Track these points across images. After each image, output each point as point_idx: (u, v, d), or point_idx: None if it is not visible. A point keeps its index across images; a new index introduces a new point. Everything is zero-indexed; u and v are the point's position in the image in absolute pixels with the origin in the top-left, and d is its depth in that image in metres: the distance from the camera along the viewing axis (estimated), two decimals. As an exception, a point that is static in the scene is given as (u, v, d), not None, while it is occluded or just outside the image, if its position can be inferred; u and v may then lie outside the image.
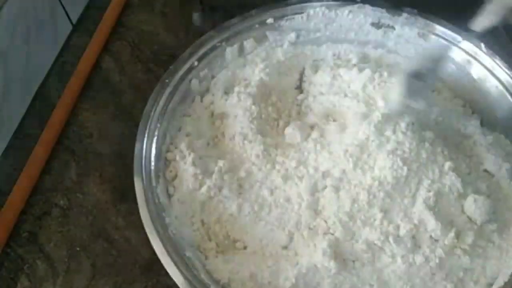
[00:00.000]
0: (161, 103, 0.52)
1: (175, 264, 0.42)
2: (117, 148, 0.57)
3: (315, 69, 0.60)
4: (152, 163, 0.49)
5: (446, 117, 0.54)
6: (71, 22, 0.67)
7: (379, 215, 0.46)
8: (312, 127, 0.54)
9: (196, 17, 0.70)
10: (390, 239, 0.45)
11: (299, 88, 0.60)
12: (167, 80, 0.53)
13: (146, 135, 0.50)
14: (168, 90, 0.53)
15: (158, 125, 0.51)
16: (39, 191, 0.54)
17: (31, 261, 0.50)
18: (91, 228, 0.52)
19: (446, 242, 0.45)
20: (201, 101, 0.57)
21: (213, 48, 0.57)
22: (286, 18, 0.60)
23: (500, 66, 0.55)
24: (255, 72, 0.58)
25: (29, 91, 0.60)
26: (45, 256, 0.50)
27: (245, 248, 0.48)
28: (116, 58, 0.65)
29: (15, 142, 0.57)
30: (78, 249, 0.51)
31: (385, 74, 0.55)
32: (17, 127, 0.58)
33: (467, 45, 0.56)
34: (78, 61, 0.63)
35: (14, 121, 0.58)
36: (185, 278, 0.42)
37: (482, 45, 0.55)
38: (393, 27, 0.59)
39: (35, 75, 0.61)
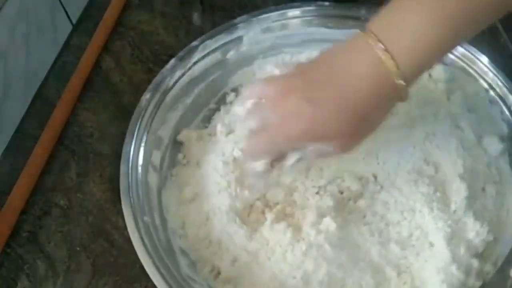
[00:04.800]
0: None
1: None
2: (117, 148, 0.57)
3: None
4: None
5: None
6: (71, 22, 0.67)
7: None
8: None
9: (196, 17, 0.69)
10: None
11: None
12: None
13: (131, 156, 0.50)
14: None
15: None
16: (39, 191, 0.54)
17: (31, 261, 0.50)
18: (91, 228, 0.52)
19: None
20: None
21: (197, 61, 0.57)
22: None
23: (488, 68, 0.54)
24: None
25: (29, 91, 0.60)
26: (45, 256, 0.50)
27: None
28: (116, 58, 0.65)
29: (15, 142, 0.57)
30: (78, 249, 0.51)
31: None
32: (17, 127, 0.58)
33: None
34: (78, 61, 0.63)
35: (14, 121, 0.58)
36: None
37: (472, 47, 0.55)
38: None
39: (35, 75, 0.61)
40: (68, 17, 0.66)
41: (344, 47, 0.39)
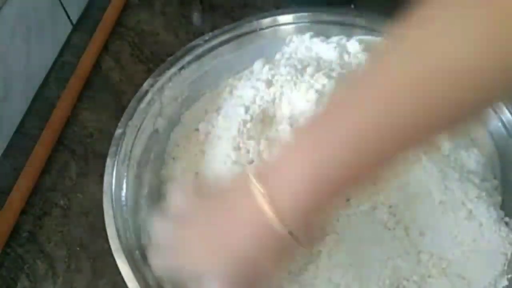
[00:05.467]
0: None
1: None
2: (117, 148, 0.57)
3: None
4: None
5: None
6: (71, 22, 0.67)
7: None
8: None
9: (196, 17, 0.70)
10: None
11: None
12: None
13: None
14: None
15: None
16: (39, 191, 0.54)
17: (31, 261, 0.50)
18: (91, 228, 0.52)
19: None
20: None
21: (181, 68, 0.54)
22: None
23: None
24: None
25: (29, 91, 0.60)
26: (45, 256, 0.50)
27: None
28: (116, 58, 0.65)
29: (15, 142, 0.57)
30: (78, 249, 0.51)
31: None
32: (17, 127, 0.58)
33: None
34: (78, 61, 0.63)
35: (14, 121, 0.58)
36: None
37: None
38: None
39: (35, 75, 0.61)
40: (68, 17, 0.66)
41: (233, 195, 0.38)
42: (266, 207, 0.34)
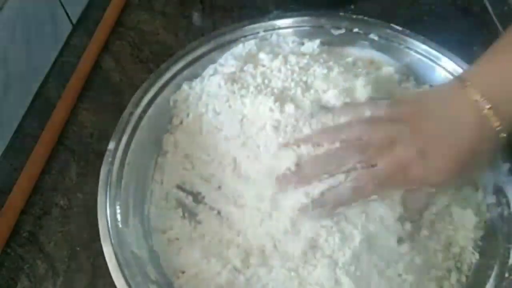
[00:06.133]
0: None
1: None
2: (117, 148, 0.57)
3: None
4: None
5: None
6: (71, 22, 0.67)
7: None
8: None
9: (196, 17, 0.70)
10: None
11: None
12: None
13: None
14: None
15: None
16: (39, 191, 0.54)
17: (31, 261, 0.50)
18: (91, 228, 0.52)
19: None
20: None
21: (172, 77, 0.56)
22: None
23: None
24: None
25: (29, 91, 0.60)
26: (45, 256, 0.50)
27: None
28: (116, 58, 0.65)
29: (15, 142, 0.57)
30: (78, 249, 0.51)
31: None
32: (17, 127, 0.58)
33: (450, 64, 0.53)
34: (78, 61, 0.63)
35: (14, 121, 0.58)
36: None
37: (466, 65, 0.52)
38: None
39: (35, 75, 0.61)
40: (68, 17, 0.66)
41: (447, 98, 0.41)
42: (490, 116, 0.38)
